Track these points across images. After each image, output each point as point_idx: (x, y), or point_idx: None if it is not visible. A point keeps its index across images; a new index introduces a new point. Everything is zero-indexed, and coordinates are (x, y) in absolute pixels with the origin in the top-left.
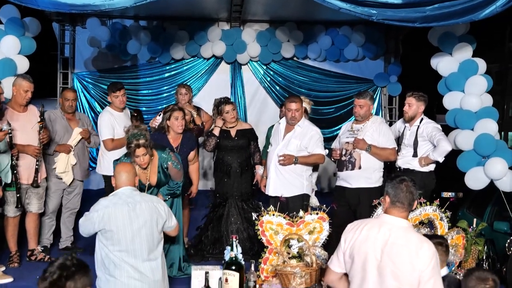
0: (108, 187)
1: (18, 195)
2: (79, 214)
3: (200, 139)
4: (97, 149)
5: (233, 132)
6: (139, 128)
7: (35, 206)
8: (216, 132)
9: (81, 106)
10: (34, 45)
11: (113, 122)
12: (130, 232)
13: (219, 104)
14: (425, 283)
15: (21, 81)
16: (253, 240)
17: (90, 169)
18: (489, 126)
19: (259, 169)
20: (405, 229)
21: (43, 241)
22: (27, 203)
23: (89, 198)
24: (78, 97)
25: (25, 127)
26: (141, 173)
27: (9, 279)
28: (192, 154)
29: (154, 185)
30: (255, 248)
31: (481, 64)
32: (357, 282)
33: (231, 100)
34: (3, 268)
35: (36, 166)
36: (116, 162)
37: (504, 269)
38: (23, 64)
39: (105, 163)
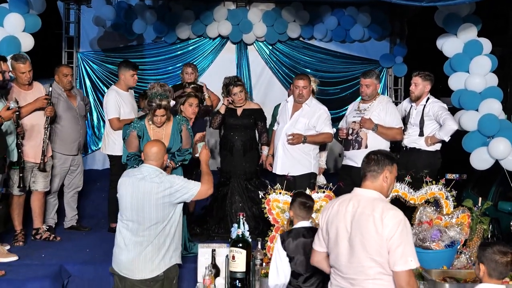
0: (114, 166)
1: (21, 174)
2: (81, 193)
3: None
4: (93, 126)
5: (239, 111)
6: (164, 87)
7: (41, 185)
8: (222, 110)
9: (84, 86)
10: (39, 22)
11: (120, 101)
12: (129, 205)
13: (228, 84)
14: (394, 251)
15: (14, 64)
16: (257, 219)
17: (94, 148)
18: (493, 106)
19: (265, 150)
20: (373, 200)
21: (48, 220)
22: (33, 181)
23: (93, 178)
24: (83, 77)
25: None
26: (156, 135)
27: (13, 258)
28: (199, 134)
29: None
30: (260, 227)
31: (486, 44)
32: (333, 257)
33: (240, 81)
34: (8, 247)
35: (43, 149)
36: (127, 126)
37: None
38: (27, 42)
39: (110, 143)
